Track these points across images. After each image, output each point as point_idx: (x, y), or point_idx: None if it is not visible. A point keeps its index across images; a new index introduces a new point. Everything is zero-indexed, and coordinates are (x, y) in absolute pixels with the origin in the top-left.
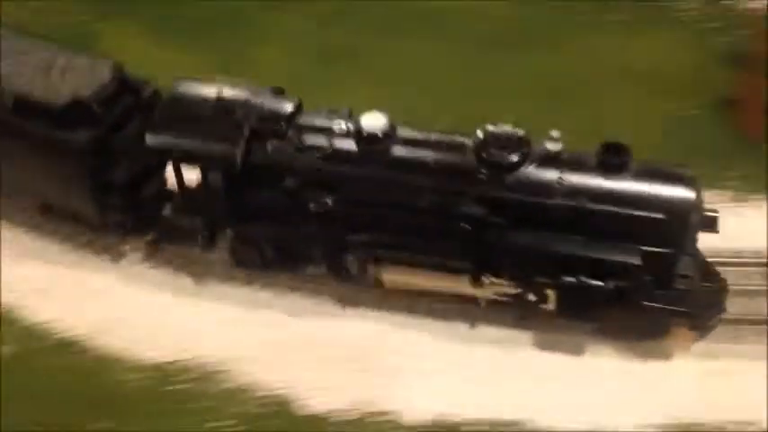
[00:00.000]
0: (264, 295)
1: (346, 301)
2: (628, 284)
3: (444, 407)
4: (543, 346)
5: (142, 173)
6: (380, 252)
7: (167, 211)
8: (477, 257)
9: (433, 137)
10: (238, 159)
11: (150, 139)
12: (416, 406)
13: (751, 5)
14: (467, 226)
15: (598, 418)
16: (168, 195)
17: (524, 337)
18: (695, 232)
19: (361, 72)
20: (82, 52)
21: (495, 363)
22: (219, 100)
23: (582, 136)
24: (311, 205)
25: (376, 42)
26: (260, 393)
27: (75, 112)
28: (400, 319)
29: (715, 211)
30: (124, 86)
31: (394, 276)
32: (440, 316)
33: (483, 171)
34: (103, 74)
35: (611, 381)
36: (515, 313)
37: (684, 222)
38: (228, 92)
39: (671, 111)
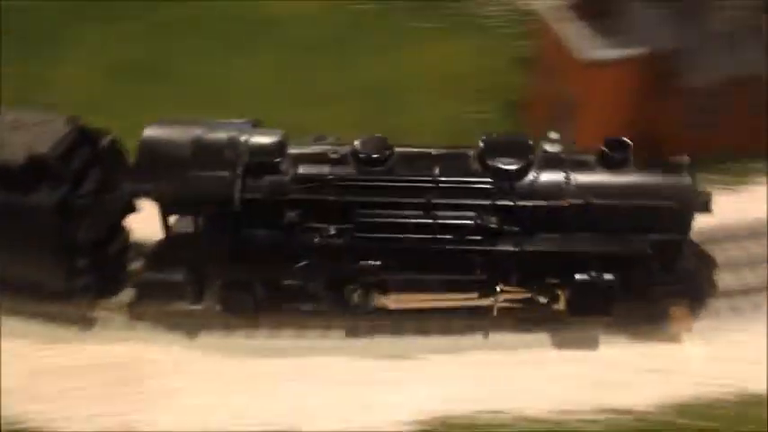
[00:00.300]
0: None
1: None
2: (640, 275)
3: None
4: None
5: (106, 229)
6: (392, 277)
7: (142, 266)
8: (491, 268)
9: (433, 151)
10: (237, 197)
11: (133, 187)
12: None
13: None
14: (479, 238)
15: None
16: (139, 249)
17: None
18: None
19: (169, 89)
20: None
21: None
22: (201, 140)
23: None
24: (315, 238)
25: (185, 59)
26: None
27: (34, 170)
28: None
29: (708, 192)
30: (82, 138)
31: (400, 299)
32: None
33: (492, 181)
34: (58, 127)
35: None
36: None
37: (689, 207)
38: (208, 130)
39: (469, 113)
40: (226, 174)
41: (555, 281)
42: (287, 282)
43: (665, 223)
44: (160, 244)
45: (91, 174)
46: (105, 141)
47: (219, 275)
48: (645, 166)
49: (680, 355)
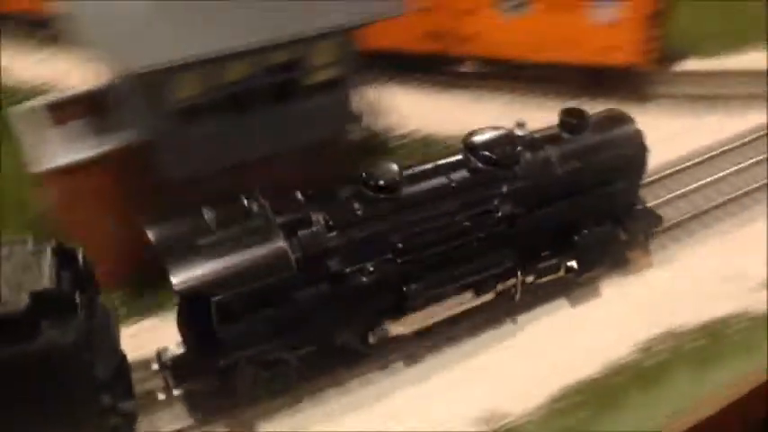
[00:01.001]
0: None
1: None
2: (612, 223)
3: None
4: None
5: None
6: (436, 290)
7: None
8: (516, 251)
9: (428, 165)
10: (293, 263)
11: (184, 284)
12: None
13: None
14: (503, 227)
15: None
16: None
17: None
18: None
19: None
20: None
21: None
22: (224, 214)
23: None
24: (362, 278)
25: None
26: None
27: (41, 309)
28: None
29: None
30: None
31: (435, 312)
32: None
33: (496, 172)
34: (46, 256)
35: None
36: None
37: (644, 152)
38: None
39: None
40: (270, 243)
41: (565, 245)
42: (336, 339)
43: (629, 170)
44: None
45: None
46: (80, 258)
47: (255, 361)
48: (599, 124)
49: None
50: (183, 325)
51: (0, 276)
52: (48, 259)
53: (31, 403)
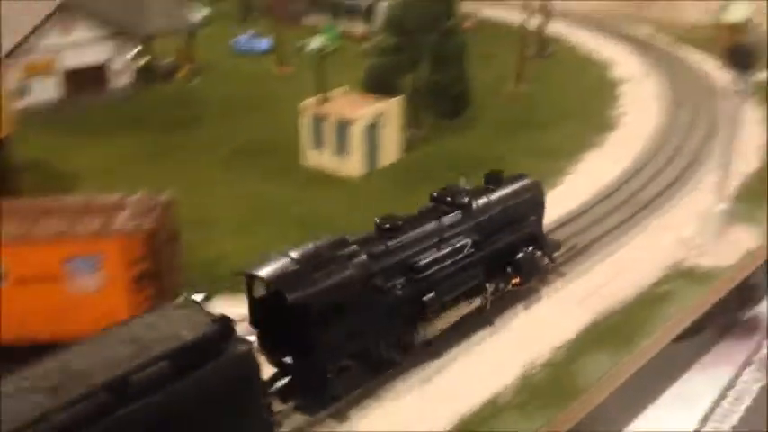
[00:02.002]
0: None
1: None
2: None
3: None
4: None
5: None
6: (446, 298)
7: None
8: (484, 271)
9: (418, 214)
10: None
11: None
12: None
13: None
14: (474, 252)
15: None
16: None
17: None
18: None
19: None
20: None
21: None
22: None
23: None
24: (397, 291)
25: None
26: None
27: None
28: None
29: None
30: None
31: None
32: None
33: (461, 212)
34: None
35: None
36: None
37: (542, 195)
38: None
39: None
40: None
41: (509, 265)
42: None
43: (533, 207)
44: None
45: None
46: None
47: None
48: (508, 181)
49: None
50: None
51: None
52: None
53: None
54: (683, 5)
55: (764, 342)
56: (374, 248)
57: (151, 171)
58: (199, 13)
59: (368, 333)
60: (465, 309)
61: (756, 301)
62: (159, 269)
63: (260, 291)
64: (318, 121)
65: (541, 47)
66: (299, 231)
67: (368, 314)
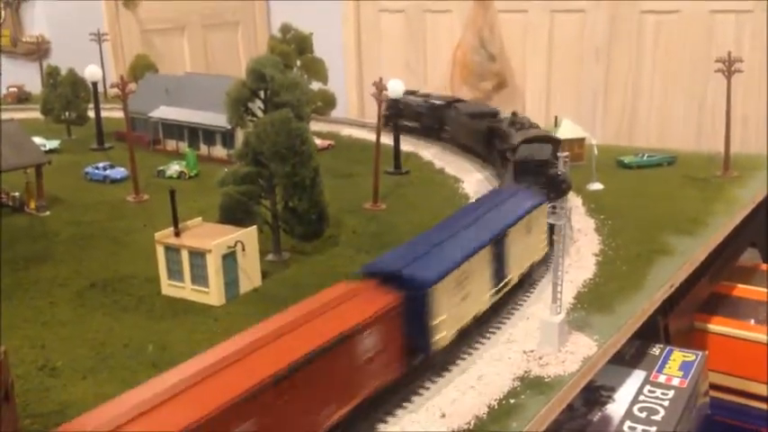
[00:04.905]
0: None
1: None
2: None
3: None
4: None
5: None
6: None
7: None
8: None
9: None
10: None
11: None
12: None
13: None
14: None
15: None
16: None
17: None
18: None
19: None
20: None
21: None
22: None
23: None
24: None
25: None
26: None
27: None
28: None
29: None
30: None
31: None
32: None
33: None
34: None
35: None
36: None
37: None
38: None
39: None
40: None
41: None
42: None
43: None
44: None
45: None
46: None
47: None
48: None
49: None
50: None
51: None
52: None
53: None
54: None
55: None
56: None
57: None
58: (49, 144)
59: None
60: None
61: (602, 405)
62: None
63: None
64: (173, 251)
65: (397, 163)
66: (151, 373)
67: None
